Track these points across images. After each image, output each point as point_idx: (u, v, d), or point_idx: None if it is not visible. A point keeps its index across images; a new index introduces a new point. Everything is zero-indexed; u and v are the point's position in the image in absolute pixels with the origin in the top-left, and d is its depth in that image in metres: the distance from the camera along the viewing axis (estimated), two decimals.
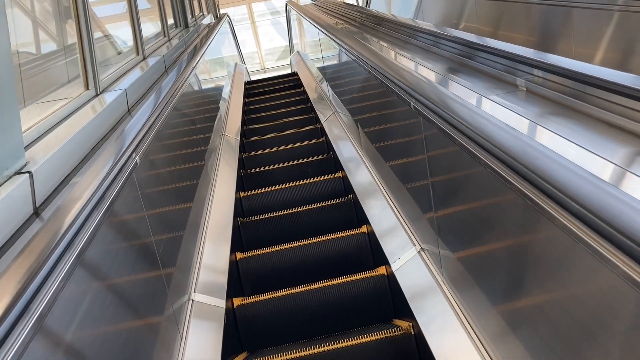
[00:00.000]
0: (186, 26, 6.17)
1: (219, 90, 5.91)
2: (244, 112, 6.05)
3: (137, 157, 1.94)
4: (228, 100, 5.83)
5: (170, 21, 5.84)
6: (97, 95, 2.55)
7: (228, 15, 8.71)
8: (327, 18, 5.87)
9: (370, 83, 3.17)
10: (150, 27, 5.31)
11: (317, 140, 4.74)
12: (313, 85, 6.32)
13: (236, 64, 8.15)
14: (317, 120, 5.19)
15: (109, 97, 2.51)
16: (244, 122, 5.74)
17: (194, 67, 4.24)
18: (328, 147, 4.48)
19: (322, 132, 4.90)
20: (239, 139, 4.63)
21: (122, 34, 5.91)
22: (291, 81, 7.58)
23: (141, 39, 3.72)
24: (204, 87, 5.04)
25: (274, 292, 2.68)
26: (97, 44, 4.79)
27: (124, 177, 1.71)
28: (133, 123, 2.27)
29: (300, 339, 2.56)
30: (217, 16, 10.13)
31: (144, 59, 3.70)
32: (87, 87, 2.52)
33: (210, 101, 4.94)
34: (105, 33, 4.56)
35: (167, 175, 2.71)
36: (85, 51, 2.52)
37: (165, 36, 4.90)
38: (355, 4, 11.01)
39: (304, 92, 6.58)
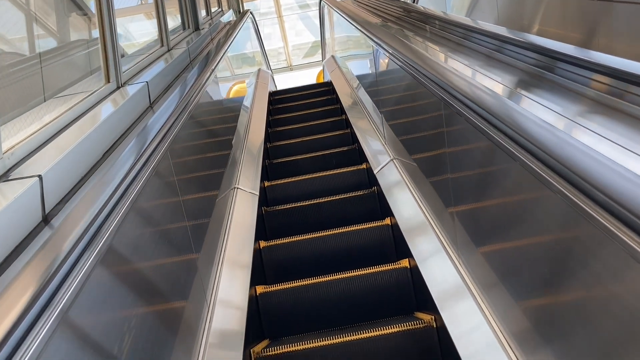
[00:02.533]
0: (197, 28, 4.95)
1: (235, 107, 4.69)
2: (266, 138, 4.83)
3: None
4: (246, 125, 4.60)
5: (176, 22, 4.62)
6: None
7: (251, 13, 7.46)
8: (374, 19, 4.59)
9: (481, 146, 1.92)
10: (141, 32, 4.11)
11: (365, 191, 3.50)
12: (352, 102, 5.07)
13: (259, 70, 6.90)
14: (361, 154, 3.95)
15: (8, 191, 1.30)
16: (266, 153, 4.51)
17: (199, 91, 3.02)
18: (382, 207, 3.23)
19: (369, 178, 3.67)
20: (257, 193, 3.39)
21: (137, 29, 4.70)
22: (324, 93, 6.32)
23: (116, 59, 2.50)
24: (212, 110, 3.82)
25: (295, 281, 2.67)
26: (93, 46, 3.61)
27: None
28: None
29: (321, 329, 2.59)
30: (239, 11, 8.89)
31: (118, 87, 2.49)
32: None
33: (219, 133, 3.72)
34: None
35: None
36: None
37: (163, 45, 3.68)
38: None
39: (341, 109, 5.33)
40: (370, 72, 4.33)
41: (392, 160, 3.21)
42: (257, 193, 3.34)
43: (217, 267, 2.53)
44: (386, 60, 3.64)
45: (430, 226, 2.52)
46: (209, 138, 3.35)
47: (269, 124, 5.18)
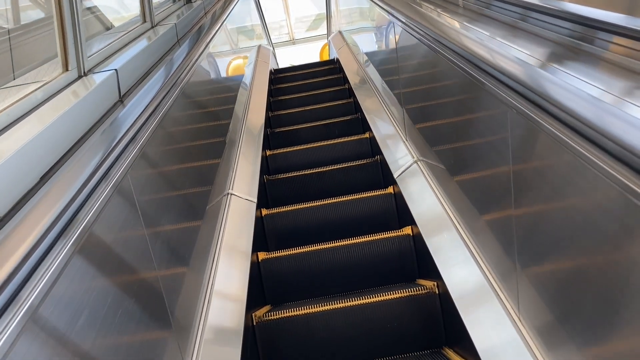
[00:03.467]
0: (189, 0, 4.42)
1: (231, 91, 4.19)
2: (267, 124, 4.34)
3: None
4: (244, 113, 4.11)
5: None
6: None
7: None
8: None
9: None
10: (123, 6, 3.61)
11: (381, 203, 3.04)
12: (360, 79, 4.56)
13: (259, 46, 6.36)
14: (372, 139, 3.47)
15: None
16: (266, 137, 4.03)
17: (186, 77, 2.54)
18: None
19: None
20: (255, 200, 2.91)
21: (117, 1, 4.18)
22: (331, 70, 5.80)
23: (77, 40, 1.99)
24: (203, 98, 3.33)
25: (297, 247, 2.66)
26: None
27: None
28: None
29: (323, 295, 2.58)
30: None
31: (80, 77, 1.99)
32: None
33: (210, 125, 3.23)
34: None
35: None
36: None
37: (146, 21, 3.16)
38: None
39: (352, 95, 4.83)
40: (387, 49, 3.82)
41: (416, 161, 2.72)
42: (255, 200, 2.86)
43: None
44: (411, 37, 3.13)
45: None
46: (197, 132, 2.86)
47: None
